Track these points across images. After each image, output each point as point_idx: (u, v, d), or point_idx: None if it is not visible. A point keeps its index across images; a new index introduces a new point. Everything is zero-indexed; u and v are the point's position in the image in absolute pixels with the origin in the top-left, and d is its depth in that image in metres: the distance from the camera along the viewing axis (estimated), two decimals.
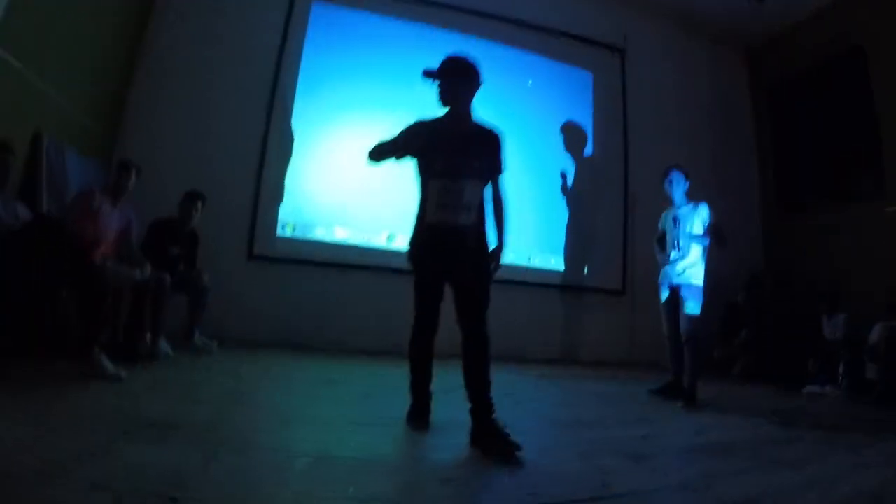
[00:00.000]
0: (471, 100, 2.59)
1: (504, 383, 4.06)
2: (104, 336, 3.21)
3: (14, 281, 3.09)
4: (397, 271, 5.53)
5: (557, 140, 6.79)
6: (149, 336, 3.85)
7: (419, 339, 2.58)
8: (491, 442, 2.14)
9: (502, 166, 2.62)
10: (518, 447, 2.06)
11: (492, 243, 2.58)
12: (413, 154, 2.56)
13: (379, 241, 5.76)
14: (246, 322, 5.08)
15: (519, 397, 3.51)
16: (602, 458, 2.16)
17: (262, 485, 1.58)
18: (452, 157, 2.45)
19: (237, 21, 5.68)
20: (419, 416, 2.54)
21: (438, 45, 6.25)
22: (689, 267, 4.05)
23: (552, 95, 6.89)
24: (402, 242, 5.65)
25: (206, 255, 4.70)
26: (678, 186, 4.24)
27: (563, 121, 6.87)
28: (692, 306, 3.98)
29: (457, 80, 2.54)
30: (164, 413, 2.28)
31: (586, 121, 7.00)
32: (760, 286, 6.74)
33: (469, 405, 2.31)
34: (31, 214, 3.45)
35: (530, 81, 6.81)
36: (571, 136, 6.86)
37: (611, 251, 6.69)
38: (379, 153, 2.55)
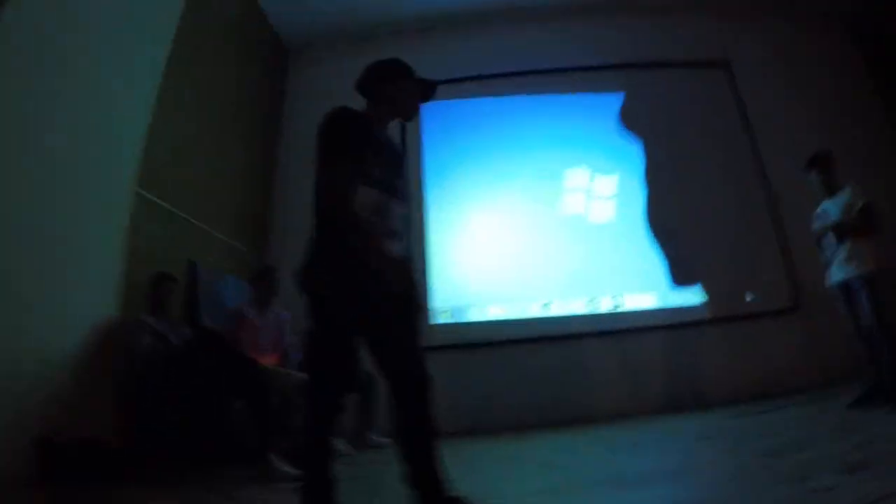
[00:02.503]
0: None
1: (701, 427, 4.05)
2: (282, 441, 3.29)
3: (185, 394, 3.36)
4: (556, 338, 5.70)
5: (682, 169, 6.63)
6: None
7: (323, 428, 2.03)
8: None
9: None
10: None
11: None
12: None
13: (533, 311, 5.92)
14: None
15: (719, 439, 3.42)
16: (817, 479, 2.05)
17: None
18: (387, 171, 2.05)
19: None
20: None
21: (544, 110, 6.73)
22: (851, 257, 3.77)
23: (662, 123, 6.82)
24: (557, 309, 5.87)
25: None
26: (822, 175, 4.04)
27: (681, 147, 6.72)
28: (873, 297, 3.65)
29: (387, 85, 2.17)
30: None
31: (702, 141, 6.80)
32: None
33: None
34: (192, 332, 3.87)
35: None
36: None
37: (770, 266, 6.22)
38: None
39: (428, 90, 2.23)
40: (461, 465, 3.60)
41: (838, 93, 7.27)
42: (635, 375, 5.72)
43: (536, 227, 6.21)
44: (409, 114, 2.24)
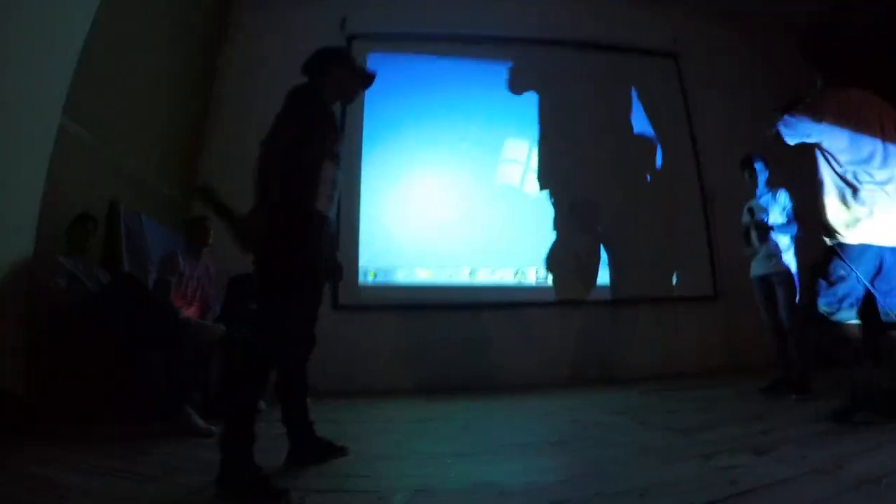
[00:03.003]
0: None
1: (612, 402, 4.12)
2: (195, 394, 3.28)
3: (98, 342, 3.15)
4: (483, 306, 5.66)
5: (623, 154, 6.68)
6: None
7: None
8: (326, 449, 2.34)
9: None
10: (345, 451, 2.37)
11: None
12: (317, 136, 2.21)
13: (461, 277, 5.83)
14: (338, 372, 5.00)
15: (629, 413, 3.48)
16: (724, 458, 2.09)
17: None
18: (337, 141, 2.32)
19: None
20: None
21: (488, 77, 6.54)
22: (777, 255, 3.93)
23: (609, 105, 6.85)
24: (484, 277, 5.80)
25: None
26: (759, 175, 4.17)
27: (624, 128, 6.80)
28: (788, 294, 3.86)
29: (331, 66, 2.42)
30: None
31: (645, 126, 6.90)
32: None
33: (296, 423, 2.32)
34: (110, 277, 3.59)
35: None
36: (638, 146, 6.78)
37: (697, 256, 6.41)
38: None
39: (368, 80, 2.57)
40: (382, 423, 3.59)
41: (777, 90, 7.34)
42: (557, 348, 5.79)
43: (470, 195, 6.09)
44: (352, 98, 2.57)
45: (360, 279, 5.67)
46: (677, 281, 6.39)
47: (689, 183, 6.61)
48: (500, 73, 6.57)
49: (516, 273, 5.90)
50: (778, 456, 2.09)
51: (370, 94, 5.96)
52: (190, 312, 3.78)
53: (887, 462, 1.84)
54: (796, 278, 3.94)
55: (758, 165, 4.18)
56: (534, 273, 5.97)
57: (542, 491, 1.80)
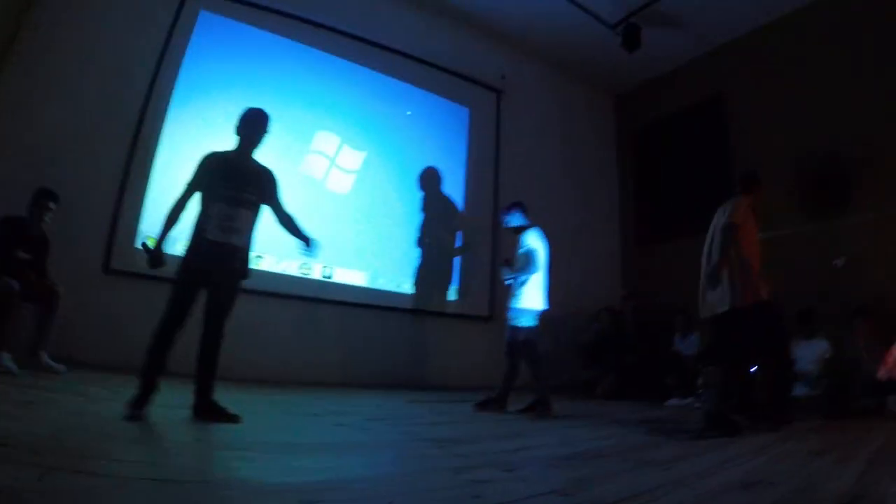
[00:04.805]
0: (257, 145, 3.12)
1: (376, 408, 4.11)
2: None
3: None
4: (262, 293, 5.24)
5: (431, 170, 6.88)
6: None
7: (168, 332, 2.80)
8: (214, 413, 2.75)
9: (279, 197, 3.21)
10: (237, 418, 2.72)
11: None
12: (203, 188, 2.98)
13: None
14: (101, 342, 4.44)
15: (393, 421, 3.44)
16: (474, 472, 2.07)
17: None
18: (233, 188, 2.96)
19: (123, 11, 5.21)
20: (141, 403, 2.62)
21: (321, 68, 6.27)
22: (513, 291, 4.46)
23: (431, 127, 7.04)
24: (268, 265, 5.41)
25: (54, 264, 4.18)
26: (511, 220, 4.64)
27: (438, 152, 7.00)
28: (516, 321, 4.41)
29: (252, 128, 3.08)
30: None
31: (462, 154, 7.22)
32: (621, 312, 7.39)
33: (196, 387, 2.83)
34: None
35: (409, 112, 6.88)
36: (445, 168, 7.00)
37: (482, 280, 6.86)
38: (177, 209, 2.96)
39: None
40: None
41: (586, 147, 8.51)
42: (339, 348, 5.70)
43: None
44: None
45: (137, 244, 4.90)
46: (461, 300, 6.71)
47: (485, 214, 7.04)
48: (337, 67, 6.37)
49: (302, 265, 5.59)
50: (524, 475, 2.12)
51: (190, 55, 5.55)
52: None
53: (628, 486, 1.90)
54: (522, 311, 4.41)
55: (514, 212, 4.65)
56: (319, 268, 5.76)
57: (295, 491, 1.66)
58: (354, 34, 6.49)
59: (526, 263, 4.35)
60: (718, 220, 4.12)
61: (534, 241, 4.43)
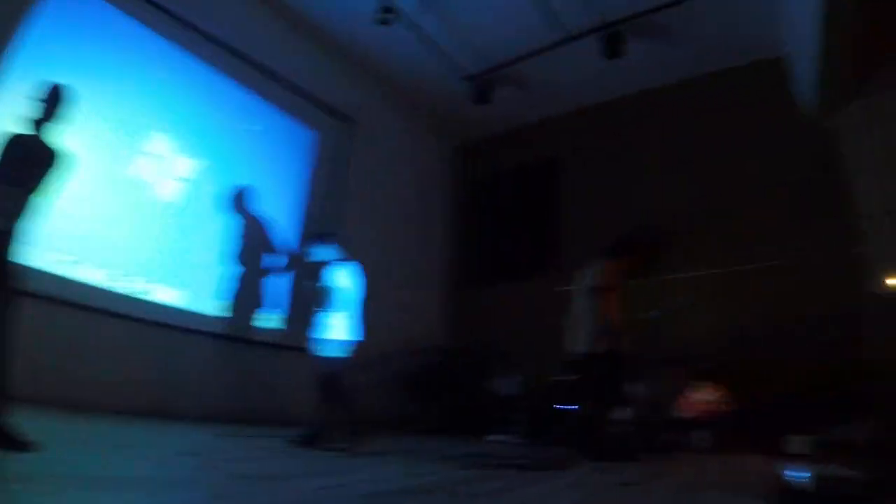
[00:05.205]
0: (48, 122, 2.83)
1: (187, 441, 3.77)
2: None
3: None
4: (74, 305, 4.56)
5: (275, 190, 6.59)
6: None
7: None
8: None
9: (46, 178, 2.77)
10: (27, 445, 2.32)
11: None
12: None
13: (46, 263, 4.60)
14: None
15: (202, 455, 3.11)
16: None
17: None
18: (8, 164, 2.67)
19: None
20: None
21: (169, 62, 5.77)
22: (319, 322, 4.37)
23: (277, 145, 6.79)
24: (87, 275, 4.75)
25: None
26: (320, 253, 4.59)
27: (281, 173, 6.78)
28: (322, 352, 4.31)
29: (48, 104, 2.83)
30: None
31: (304, 178, 7.05)
32: (444, 352, 7.67)
33: None
34: None
35: (257, 127, 6.56)
36: (285, 190, 6.78)
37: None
38: None
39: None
40: None
41: (427, 191, 8.76)
42: (154, 373, 5.16)
43: (97, 176, 4.97)
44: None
45: None
46: (287, 328, 6.41)
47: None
48: (185, 63, 5.91)
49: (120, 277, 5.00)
50: None
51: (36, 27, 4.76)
52: None
53: None
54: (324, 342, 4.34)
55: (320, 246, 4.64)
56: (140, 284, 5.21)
57: None
58: (208, 32, 6.02)
59: (326, 299, 4.32)
60: (585, 278, 4.57)
61: (340, 278, 4.39)
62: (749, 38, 6.77)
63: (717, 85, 7.33)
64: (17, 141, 2.73)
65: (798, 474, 2.22)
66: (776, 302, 6.07)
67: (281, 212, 6.59)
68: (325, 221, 6.88)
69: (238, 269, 5.97)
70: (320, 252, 4.58)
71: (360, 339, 4.41)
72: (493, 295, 8.32)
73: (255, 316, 6.08)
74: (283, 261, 6.37)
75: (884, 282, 5.33)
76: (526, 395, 6.39)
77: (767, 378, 5.70)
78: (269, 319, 6.24)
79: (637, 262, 4.68)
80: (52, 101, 2.84)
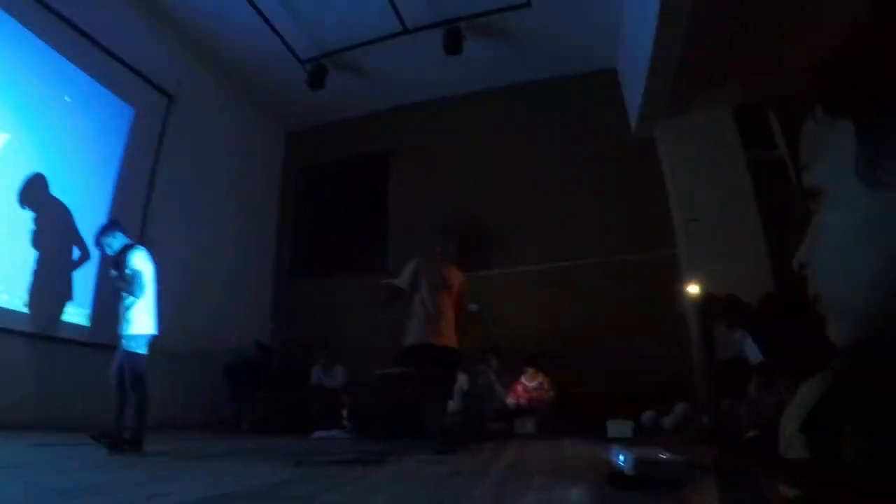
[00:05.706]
0: None
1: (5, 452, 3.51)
2: None
3: None
4: None
5: (80, 168, 6.04)
6: None
7: None
8: None
9: None
10: None
11: None
12: None
13: None
14: None
15: (13, 469, 2.92)
16: None
17: None
18: None
19: None
20: None
21: None
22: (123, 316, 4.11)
23: (89, 120, 6.18)
24: None
25: None
26: (113, 243, 4.29)
27: (92, 149, 6.22)
28: (128, 347, 4.06)
29: None
30: None
31: (117, 156, 6.49)
32: (269, 346, 7.56)
33: None
34: None
35: (68, 98, 5.93)
36: (95, 169, 6.25)
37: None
38: None
39: None
40: None
41: (252, 175, 8.69)
42: None
43: None
44: None
45: None
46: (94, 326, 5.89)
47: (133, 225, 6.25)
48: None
49: None
50: None
51: None
52: None
53: None
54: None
55: (115, 234, 4.34)
56: None
57: None
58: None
59: (131, 286, 4.05)
60: (431, 277, 4.69)
61: (140, 262, 4.15)
62: (586, 48, 7.50)
63: (552, 90, 8.02)
64: None
65: (619, 457, 2.39)
66: (600, 297, 6.85)
67: (89, 196, 6.04)
68: (132, 206, 6.43)
69: (42, 261, 5.41)
70: (115, 241, 4.28)
71: (156, 333, 4.20)
72: (325, 285, 8.38)
73: (63, 311, 5.58)
74: (85, 252, 5.81)
75: (687, 286, 6.04)
76: (352, 387, 6.46)
77: (590, 367, 6.42)
78: (77, 315, 5.75)
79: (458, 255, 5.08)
80: None
